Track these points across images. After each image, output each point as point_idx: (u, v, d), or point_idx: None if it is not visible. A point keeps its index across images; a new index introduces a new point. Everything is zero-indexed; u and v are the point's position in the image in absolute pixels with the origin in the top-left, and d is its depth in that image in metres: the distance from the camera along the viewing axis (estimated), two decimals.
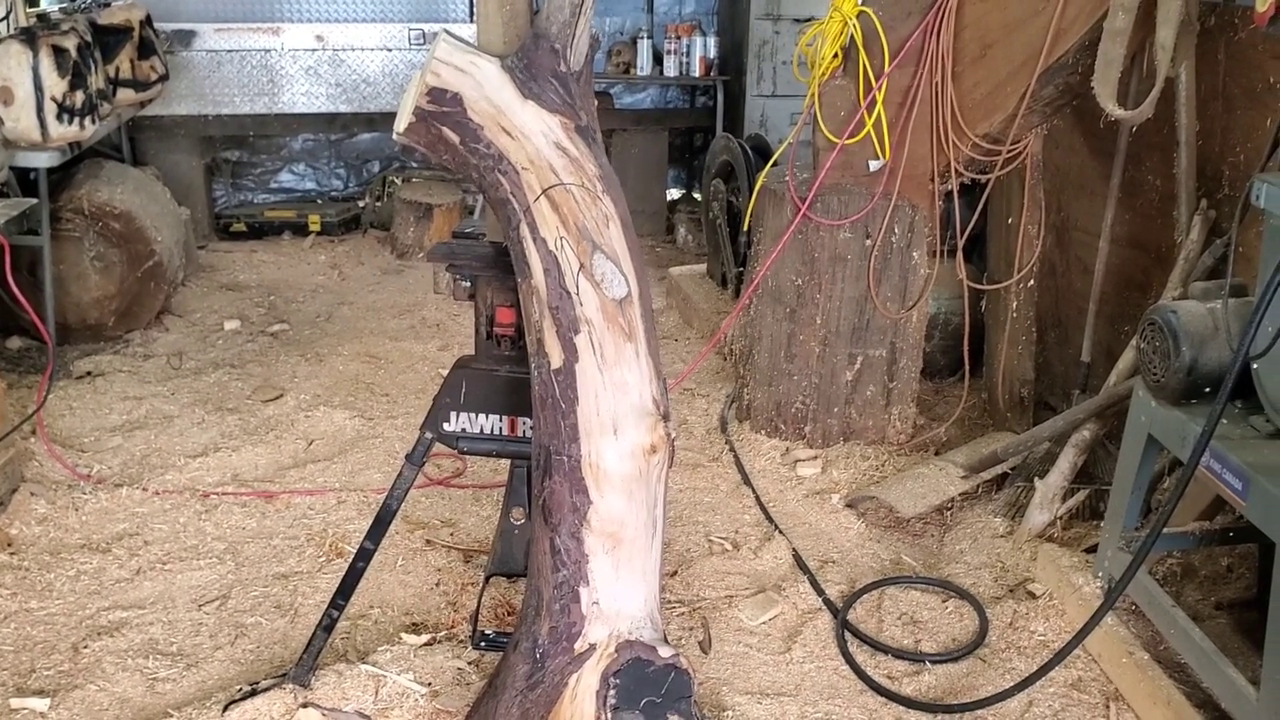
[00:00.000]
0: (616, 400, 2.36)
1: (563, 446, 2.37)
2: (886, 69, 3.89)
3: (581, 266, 2.35)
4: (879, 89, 3.92)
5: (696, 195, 8.18)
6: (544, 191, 2.36)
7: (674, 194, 8.47)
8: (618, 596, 2.39)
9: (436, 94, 2.35)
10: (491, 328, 2.76)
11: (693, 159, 8.52)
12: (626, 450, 2.35)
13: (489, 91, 2.36)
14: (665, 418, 2.41)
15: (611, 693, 2.34)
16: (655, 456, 2.38)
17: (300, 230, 7.53)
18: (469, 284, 2.77)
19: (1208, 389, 2.77)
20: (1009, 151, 3.94)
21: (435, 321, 5.91)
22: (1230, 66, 3.43)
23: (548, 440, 2.40)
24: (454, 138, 2.39)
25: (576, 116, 2.41)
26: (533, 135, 2.37)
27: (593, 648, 2.37)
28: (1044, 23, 3.60)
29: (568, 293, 2.35)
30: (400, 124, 2.41)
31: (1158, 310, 2.87)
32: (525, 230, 2.38)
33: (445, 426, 2.80)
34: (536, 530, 2.47)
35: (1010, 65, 3.74)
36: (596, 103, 2.54)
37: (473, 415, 2.79)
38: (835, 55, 4.00)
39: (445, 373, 2.84)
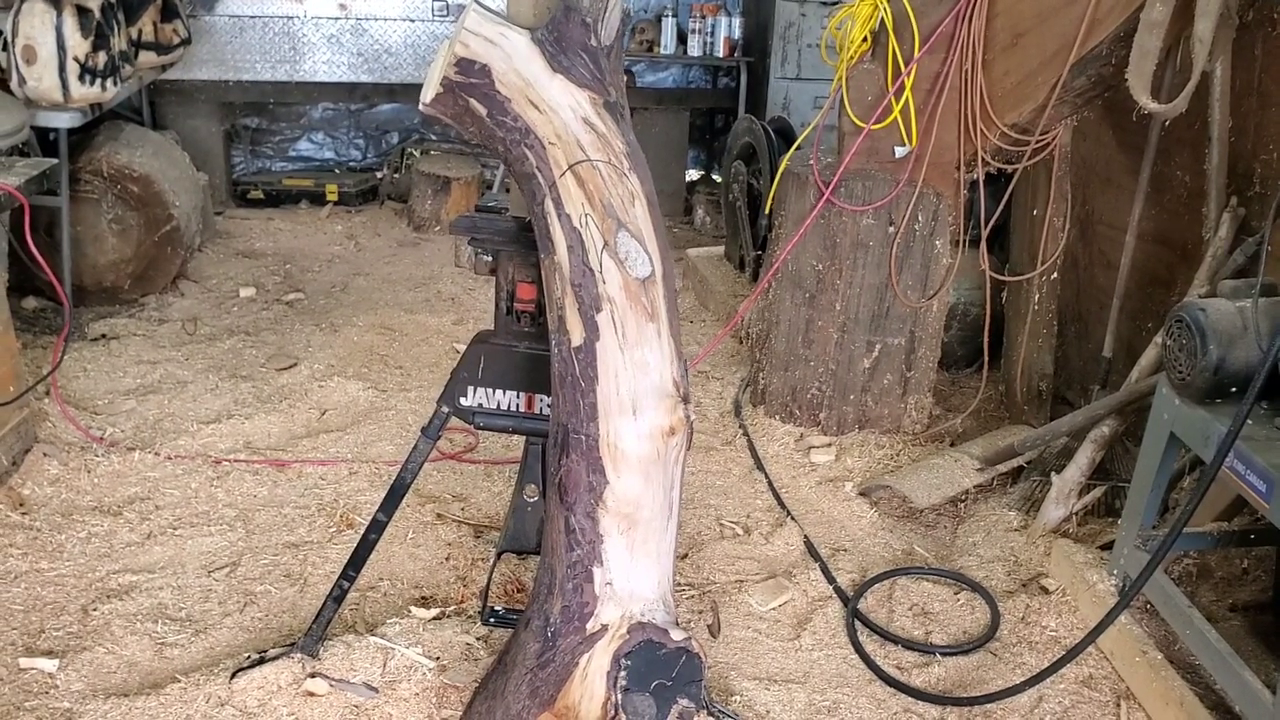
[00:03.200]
0: (636, 380, 2.34)
1: (581, 425, 2.35)
2: (916, 54, 3.84)
3: (605, 244, 2.32)
4: (908, 75, 3.87)
5: (716, 177, 8.14)
6: (570, 167, 2.33)
7: (693, 175, 8.43)
8: (631, 578, 2.38)
9: (465, 65, 2.32)
10: (512, 303, 2.74)
11: (713, 140, 8.48)
12: (645, 431, 2.33)
13: (518, 64, 2.33)
14: (685, 400, 2.38)
15: (622, 674, 2.33)
16: (674, 438, 2.36)
17: (317, 200, 7.52)
18: (490, 258, 2.75)
19: (1234, 389, 2.73)
20: (1037, 142, 3.89)
21: (450, 295, 5.89)
22: (1267, 62, 3.38)
23: (566, 418, 2.38)
24: (481, 110, 2.36)
25: (606, 92, 2.38)
26: (561, 110, 2.34)
27: (605, 628, 2.36)
28: (1078, 12, 3.55)
29: (591, 270, 2.33)
30: (427, 94, 2.38)
31: (1185, 307, 2.83)
32: (550, 206, 2.35)
33: (462, 401, 2.78)
34: (551, 509, 2.46)
35: (1042, 55, 3.69)
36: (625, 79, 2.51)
37: (490, 391, 2.77)
38: (864, 39, 3.96)
39: (460, 347, 2.83)
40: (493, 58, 2.33)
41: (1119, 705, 2.90)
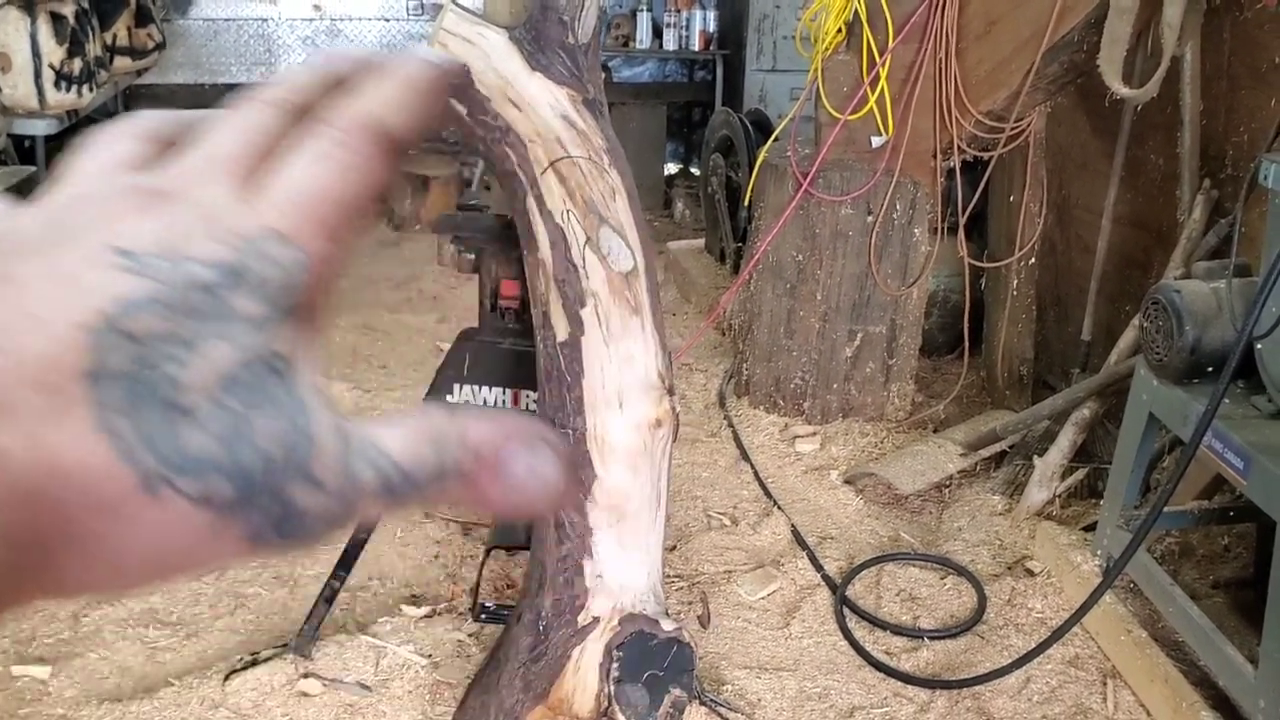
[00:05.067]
0: (622, 374, 2.35)
1: (567, 419, 2.36)
2: (890, 44, 3.87)
3: (588, 239, 2.34)
4: (883, 64, 3.90)
5: (694, 170, 8.16)
6: (551, 164, 2.34)
7: (672, 168, 8.45)
8: (621, 570, 2.40)
9: None
10: (496, 300, 2.76)
11: (691, 133, 8.50)
12: (631, 424, 2.35)
13: (496, 63, 2.34)
14: (670, 391, 2.40)
15: (614, 665, 2.35)
16: (660, 430, 2.38)
17: None
18: (473, 256, 2.76)
19: (1210, 369, 2.77)
20: (1012, 129, 3.93)
21: (433, 294, 5.90)
22: (1236, 46, 3.42)
23: (552, 413, 2.40)
24: (461, 109, 2.37)
25: (584, 89, 2.39)
26: (540, 107, 2.35)
27: (596, 620, 2.38)
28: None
29: (574, 265, 2.34)
30: None
31: (1161, 289, 2.87)
32: (532, 202, 2.36)
33: (448, 399, 2.79)
34: None
35: (1015, 42, 3.72)
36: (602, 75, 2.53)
37: (476, 388, 2.78)
38: (839, 30, 3.99)
39: (443, 345, 2.84)
40: (471, 57, 2.34)
41: (1105, 684, 2.94)
